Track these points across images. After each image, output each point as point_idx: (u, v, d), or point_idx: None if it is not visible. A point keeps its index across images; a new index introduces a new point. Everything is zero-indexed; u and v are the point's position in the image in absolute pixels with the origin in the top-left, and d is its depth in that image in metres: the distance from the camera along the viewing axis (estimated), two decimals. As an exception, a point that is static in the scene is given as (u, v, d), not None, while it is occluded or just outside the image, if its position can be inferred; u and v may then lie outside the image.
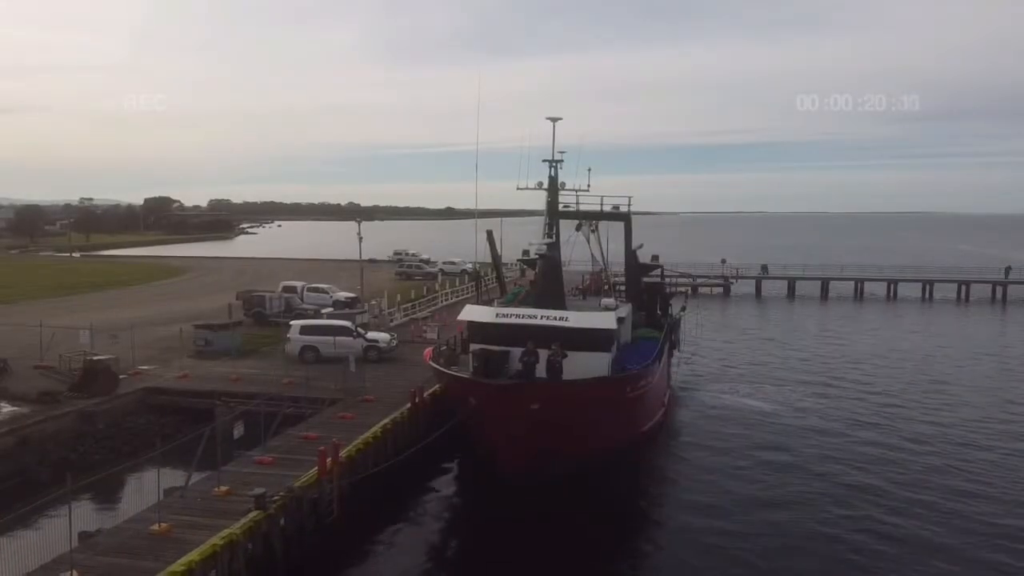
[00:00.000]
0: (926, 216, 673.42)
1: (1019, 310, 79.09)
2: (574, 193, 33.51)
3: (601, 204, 37.23)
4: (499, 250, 38.89)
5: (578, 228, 37.83)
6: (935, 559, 21.59)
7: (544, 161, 31.50)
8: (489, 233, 34.40)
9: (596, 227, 38.75)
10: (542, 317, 28.18)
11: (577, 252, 37.27)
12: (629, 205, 37.66)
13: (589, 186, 33.96)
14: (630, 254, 38.52)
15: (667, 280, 45.86)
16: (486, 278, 33.43)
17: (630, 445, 29.44)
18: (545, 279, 30.48)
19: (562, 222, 35.27)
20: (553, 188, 31.83)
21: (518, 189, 31.80)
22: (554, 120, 30.96)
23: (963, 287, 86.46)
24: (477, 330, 29.46)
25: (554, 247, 31.47)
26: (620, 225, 37.77)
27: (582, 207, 35.29)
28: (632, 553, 22.61)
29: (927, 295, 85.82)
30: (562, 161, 31.56)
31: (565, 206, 35.75)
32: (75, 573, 16.07)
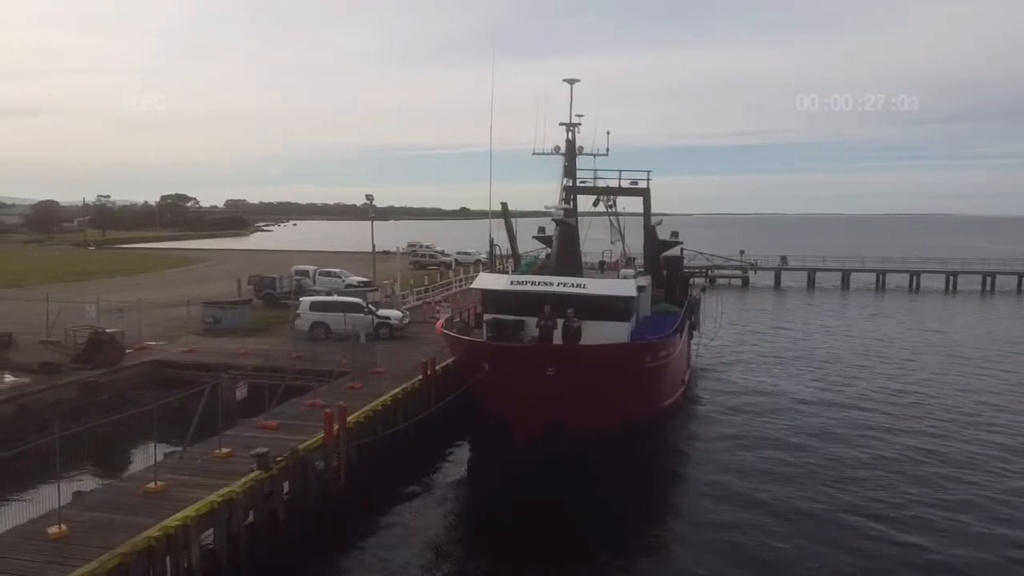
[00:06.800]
0: (943, 218, 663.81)
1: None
2: (592, 157, 32.28)
3: (619, 179, 36.16)
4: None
5: (595, 204, 36.74)
6: (955, 544, 20.12)
7: (561, 125, 30.34)
8: (504, 205, 33.24)
9: (614, 203, 37.69)
10: (559, 284, 27.11)
11: (592, 237, 36.09)
12: (648, 180, 36.55)
13: (608, 150, 32.77)
14: (649, 229, 37.37)
15: (685, 259, 44.64)
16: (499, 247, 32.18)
17: (648, 420, 28.26)
18: (562, 246, 29.38)
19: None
20: (570, 153, 30.65)
21: (534, 154, 30.67)
22: (571, 82, 29.79)
23: (988, 279, 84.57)
24: (491, 299, 28.40)
25: (571, 213, 30.32)
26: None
27: (600, 177, 34.17)
28: (643, 531, 21.33)
29: (951, 287, 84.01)
30: (579, 124, 30.38)
31: (583, 181, 34.64)
32: (63, 527, 15.12)
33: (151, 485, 17.42)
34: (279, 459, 19.18)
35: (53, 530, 14.97)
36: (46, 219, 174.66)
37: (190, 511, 15.97)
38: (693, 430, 30.14)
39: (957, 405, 33.96)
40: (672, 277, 37.82)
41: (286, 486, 19.47)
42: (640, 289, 29.18)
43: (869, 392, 36.22)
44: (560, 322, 25.82)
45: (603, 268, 35.23)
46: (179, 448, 20.85)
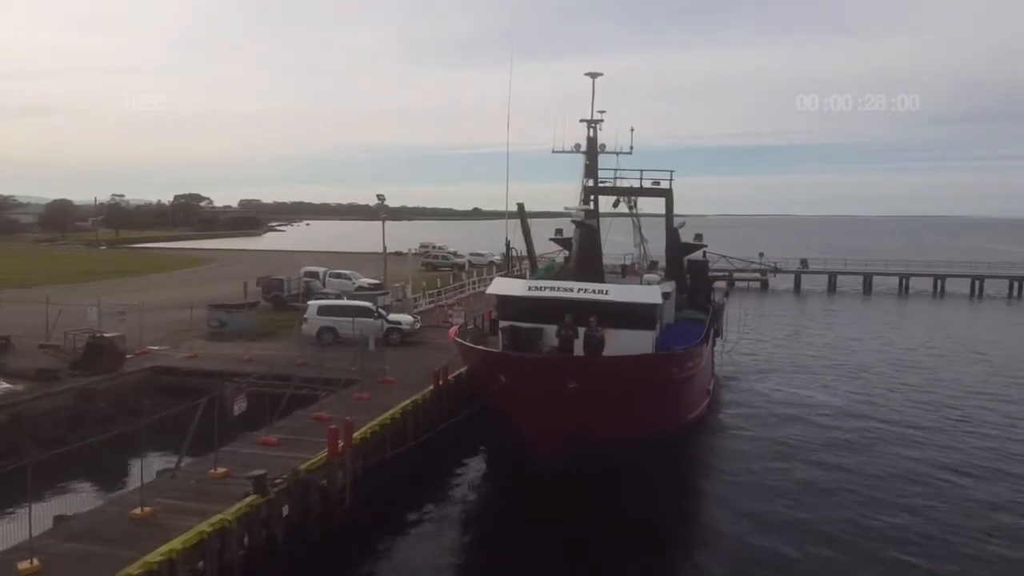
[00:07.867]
0: (957, 220, 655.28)
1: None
2: (614, 155, 30.66)
3: (641, 179, 34.54)
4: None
5: (615, 204, 35.16)
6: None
7: (582, 121, 28.75)
8: (520, 206, 31.66)
9: (635, 204, 36.11)
10: (579, 290, 25.48)
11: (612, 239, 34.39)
12: (671, 180, 34.91)
13: (632, 148, 31.14)
14: (671, 232, 35.67)
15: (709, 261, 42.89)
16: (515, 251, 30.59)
17: (672, 435, 26.60)
18: (583, 249, 27.79)
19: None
20: (592, 151, 29.03)
21: (553, 152, 29.13)
22: (593, 76, 28.20)
23: (1015, 283, 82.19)
24: (507, 305, 26.82)
25: (592, 215, 28.71)
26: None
27: (620, 177, 32.57)
28: (669, 555, 19.94)
29: (977, 291, 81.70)
30: (602, 121, 28.80)
31: (602, 181, 33.07)
32: (35, 562, 13.68)
33: (137, 511, 15.96)
34: (278, 481, 17.69)
35: (24, 565, 13.55)
36: (60, 218, 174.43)
37: (177, 543, 14.48)
38: (715, 453, 27.80)
39: (997, 426, 31.33)
40: (696, 281, 36.12)
41: (285, 509, 17.99)
42: (665, 295, 27.57)
43: (903, 410, 33.68)
44: (581, 331, 24.23)
45: (624, 272, 33.61)
46: (172, 466, 19.46)
